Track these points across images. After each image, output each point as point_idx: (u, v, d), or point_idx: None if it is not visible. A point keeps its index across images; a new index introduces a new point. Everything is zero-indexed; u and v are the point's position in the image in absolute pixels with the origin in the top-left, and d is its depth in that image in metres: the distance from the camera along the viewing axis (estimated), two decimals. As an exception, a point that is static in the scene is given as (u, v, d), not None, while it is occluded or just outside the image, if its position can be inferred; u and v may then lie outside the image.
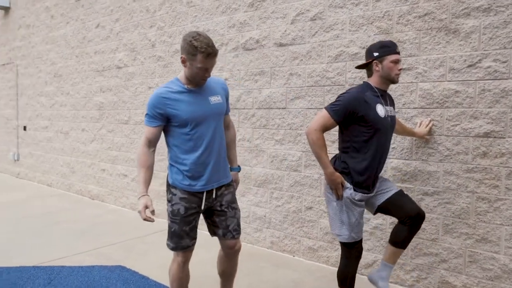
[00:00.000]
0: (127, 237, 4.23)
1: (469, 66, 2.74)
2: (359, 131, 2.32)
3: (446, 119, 2.84)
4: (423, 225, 2.96)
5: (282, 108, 3.75)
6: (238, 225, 2.36)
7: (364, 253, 3.27)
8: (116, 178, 5.64)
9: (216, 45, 4.24)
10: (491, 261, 2.69)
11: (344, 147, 2.41)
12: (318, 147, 2.29)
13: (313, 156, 3.51)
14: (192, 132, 2.15)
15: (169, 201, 2.25)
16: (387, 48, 2.34)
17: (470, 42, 2.73)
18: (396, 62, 2.34)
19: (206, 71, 2.08)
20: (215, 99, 2.23)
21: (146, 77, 5.11)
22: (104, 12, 5.72)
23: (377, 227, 3.19)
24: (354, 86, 2.43)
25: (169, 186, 2.27)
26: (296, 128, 3.65)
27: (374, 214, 2.55)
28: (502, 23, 2.60)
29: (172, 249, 2.25)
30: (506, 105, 2.61)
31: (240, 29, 4.03)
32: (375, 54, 2.36)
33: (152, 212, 2.10)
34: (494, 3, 2.63)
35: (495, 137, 2.65)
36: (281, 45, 3.72)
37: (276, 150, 3.81)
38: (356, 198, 2.34)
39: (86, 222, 4.79)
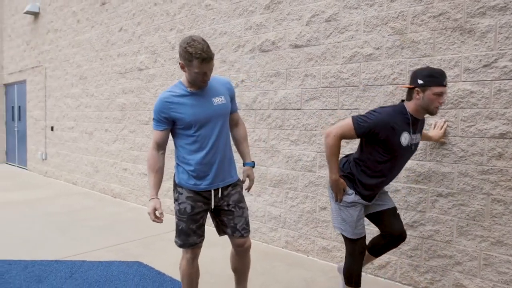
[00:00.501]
0: (146, 234, 4.35)
1: (485, 66, 2.70)
2: (377, 152, 2.31)
3: (461, 120, 2.81)
4: (437, 227, 2.93)
5: (297, 109, 3.78)
6: (247, 224, 2.38)
7: (377, 254, 3.26)
8: (137, 177, 5.80)
9: (233, 47, 4.32)
10: (507, 264, 2.64)
11: (358, 158, 2.40)
12: (331, 153, 2.30)
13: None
14: (197, 134, 2.20)
15: (176, 200, 2.31)
16: (433, 79, 2.17)
17: (486, 42, 2.69)
18: (440, 94, 2.19)
19: (204, 75, 2.11)
20: (218, 100, 2.26)
21: (166, 78, 5.24)
22: (126, 16, 5.90)
23: (391, 228, 3.17)
24: (390, 105, 2.31)
25: (175, 185, 2.34)
26: (311, 128, 3.67)
27: None
28: (519, 22, 2.56)
29: (180, 246, 2.31)
30: (523, 105, 2.56)
31: (256, 31, 4.09)
32: (420, 81, 2.20)
33: (161, 214, 2.19)
34: (510, 1, 2.58)
35: (511, 138, 2.60)
36: (296, 46, 3.75)
37: (291, 150, 3.84)
38: (355, 200, 2.41)
39: (107, 220, 4.95)
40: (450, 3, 2.82)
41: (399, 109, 2.28)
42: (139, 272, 3.28)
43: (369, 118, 2.23)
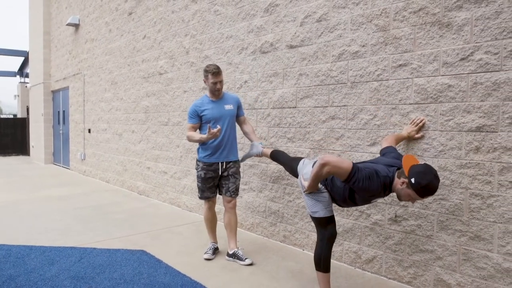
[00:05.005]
0: (158, 227, 4.64)
1: (462, 59, 2.69)
2: (349, 192, 2.48)
3: (440, 114, 2.80)
4: (419, 222, 2.93)
5: (293, 107, 3.89)
6: (236, 189, 3.57)
7: (364, 248, 3.29)
8: (158, 175, 6.15)
9: (238, 50, 4.52)
10: (485, 259, 2.60)
11: (340, 190, 2.53)
12: (318, 178, 2.42)
13: (320, 153, 3.61)
14: (214, 126, 3.39)
15: (196, 169, 3.59)
16: (424, 190, 2.15)
17: (463, 35, 2.68)
18: (414, 197, 2.22)
19: (216, 84, 3.40)
20: (228, 107, 3.54)
21: (182, 81, 5.54)
22: (149, 24, 6.29)
23: (377, 223, 3.20)
24: (385, 176, 2.32)
25: (197, 160, 3.59)
26: (305, 126, 3.77)
27: None
28: (494, 14, 2.53)
29: (200, 198, 3.61)
30: (498, 98, 2.52)
31: (257, 34, 4.26)
32: (412, 181, 2.16)
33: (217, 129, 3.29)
34: (485, -6, 2.56)
35: (487, 131, 2.57)
36: (291, 47, 3.88)
37: (288, 147, 3.96)
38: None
39: (127, 213, 5.31)
40: (428, -2, 2.83)
41: (386, 183, 2.31)
42: (140, 259, 3.55)
43: (362, 182, 2.25)
